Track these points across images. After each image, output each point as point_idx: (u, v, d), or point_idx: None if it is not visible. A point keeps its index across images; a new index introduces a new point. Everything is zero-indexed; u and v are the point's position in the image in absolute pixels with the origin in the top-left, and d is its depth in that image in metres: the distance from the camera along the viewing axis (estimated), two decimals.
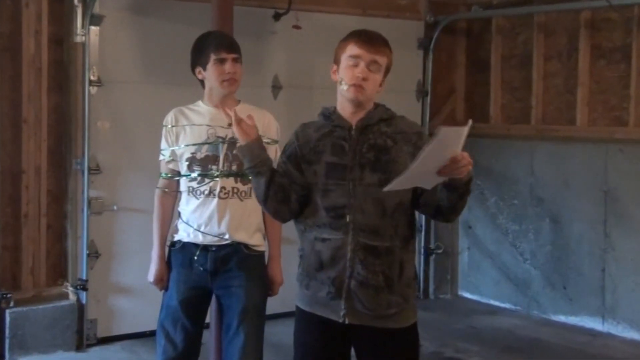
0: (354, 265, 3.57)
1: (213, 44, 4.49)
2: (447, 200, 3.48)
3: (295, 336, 3.82)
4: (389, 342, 3.64)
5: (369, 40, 3.65)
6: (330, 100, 7.69)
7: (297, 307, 3.79)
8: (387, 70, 3.69)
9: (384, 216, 3.57)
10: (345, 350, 3.73)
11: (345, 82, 3.65)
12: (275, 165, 3.78)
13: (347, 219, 3.58)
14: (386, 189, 3.39)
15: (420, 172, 3.31)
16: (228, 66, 4.46)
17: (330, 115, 3.75)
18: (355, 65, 3.62)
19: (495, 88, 8.43)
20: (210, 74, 4.48)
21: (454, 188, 3.40)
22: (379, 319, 3.60)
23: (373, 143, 3.62)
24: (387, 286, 3.58)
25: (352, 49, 3.65)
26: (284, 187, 3.68)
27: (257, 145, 3.72)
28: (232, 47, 4.52)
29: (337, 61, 3.74)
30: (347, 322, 3.61)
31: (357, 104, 3.66)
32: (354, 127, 3.66)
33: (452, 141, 3.26)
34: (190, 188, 4.49)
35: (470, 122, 3.30)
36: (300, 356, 3.80)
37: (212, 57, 4.45)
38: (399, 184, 3.36)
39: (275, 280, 4.66)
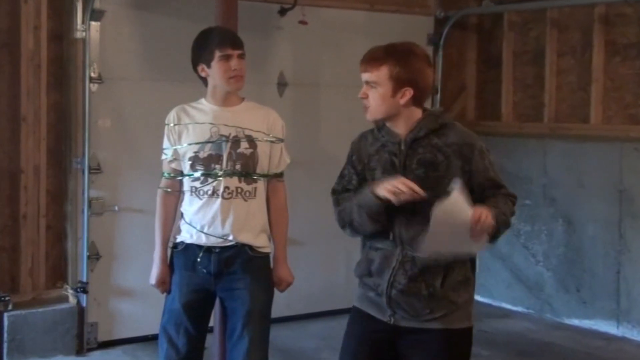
0: (396, 275, 3.65)
1: (217, 40, 4.48)
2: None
3: (345, 331, 3.93)
4: (434, 342, 3.70)
5: (363, 59, 3.71)
6: (336, 97, 7.72)
7: (353, 305, 3.90)
8: (397, 79, 3.63)
9: None
10: (389, 347, 3.78)
11: None
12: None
13: (396, 232, 3.65)
14: (419, 253, 3.55)
15: (448, 244, 3.48)
16: (234, 63, 4.44)
17: (380, 129, 3.78)
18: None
19: (506, 85, 8.40)
20: (215, 71, 4.46)
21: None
22: (423, 322, 3.68)
23: (422, 158, 3.63)
24: (429, 294, 3.64)
25: None
26: None
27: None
28: (237, 43, 4.51)
29: None
30: (392, 322, 3.71)
31: (377, 123, 3.77)
32: (402, 141, 3.68)
33: (454, 212, 3.38)
34: (193, 188, 4.48)
35: (457, 184, 3.41)
36: (346, 346, 3.90)
37: (217, 53, 4.43)
38: (432, 251, 3.52)
39: (284, 279, 4.66)
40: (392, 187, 3.47)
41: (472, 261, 3.81)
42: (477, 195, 3.60)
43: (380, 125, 3.77)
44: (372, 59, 3.67)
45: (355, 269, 3.88)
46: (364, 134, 3.88)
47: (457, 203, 3.37)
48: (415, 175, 3.59)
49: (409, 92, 3.62)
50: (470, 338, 3.86)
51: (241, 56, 4.48)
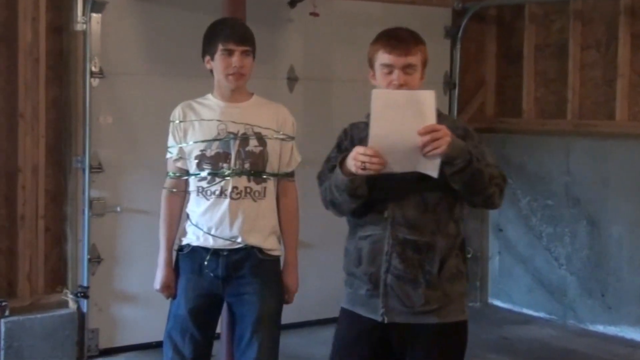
0: (391, 260, 3.76)
1: (223, 33, 4.45)
2: (454, 183, 3.64)
3: (335, 334, 4.03)
4: (430, 338, 3.80)
5: (398, 44, 3.77)
6: (349, 93, 7.70)
7: (341, 307, 4.00)
8: (425, 63, 3.87)
9: (425, 211, 3.75)
10: (382, 349, 3.87)
11: None
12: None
13: (386, 215, 3.77)
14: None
15: (397, 147, 3.54)
16: (235, 59, 4.40)
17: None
18: (390, 73, 3.77)
19: (528, 80, 8.39)
20: (216, 65, 4.45)
21: (445, 165, 3.56)
22: (418, 315, 3.77)
23: None
24: (426, 281, 3.75)
25: (382, 58, 3.79)
26: None
27: None
28: (242, 38, 4.46)
29: (371, 66, 3.88)
30: (386, 321, 3.78)
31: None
32: None
33: (410, 107, 3.53)
34: (200, 188, 4.46)
35: (432, 92, 3.57)
36: (336, 350, 4.00)
37: (220, 47, 4.41)
38: (376, 141, 3.57)
39: (290, 287, 4.63)
40: (355, 160, 3.59)
41: (463, 254, 3.91)
42: None
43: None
44: (413, 43, 3.81)
45: (344, 263, 3.97)
46: (355, 123, 3.99)
47: (419, 101, 3.54)
48: None
49: (424, 77, 3.86)
50: (466, 332, 3.94)
51: (245, 53, 4.44)
